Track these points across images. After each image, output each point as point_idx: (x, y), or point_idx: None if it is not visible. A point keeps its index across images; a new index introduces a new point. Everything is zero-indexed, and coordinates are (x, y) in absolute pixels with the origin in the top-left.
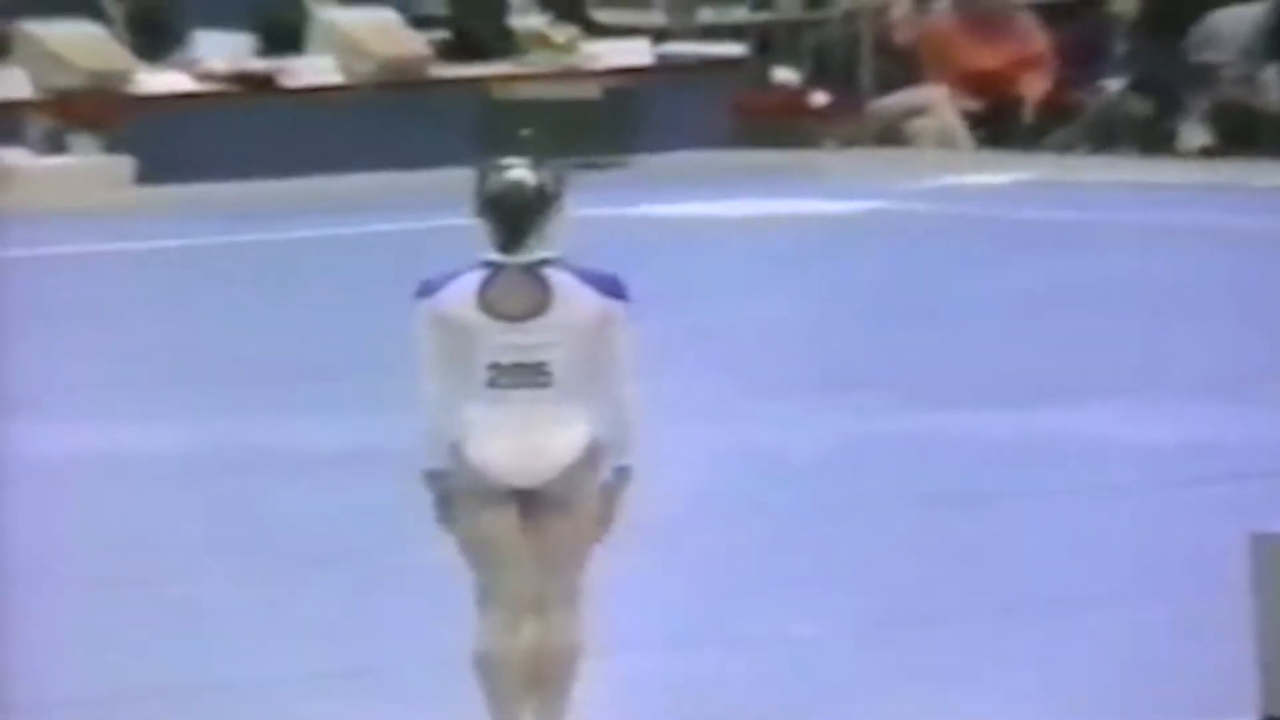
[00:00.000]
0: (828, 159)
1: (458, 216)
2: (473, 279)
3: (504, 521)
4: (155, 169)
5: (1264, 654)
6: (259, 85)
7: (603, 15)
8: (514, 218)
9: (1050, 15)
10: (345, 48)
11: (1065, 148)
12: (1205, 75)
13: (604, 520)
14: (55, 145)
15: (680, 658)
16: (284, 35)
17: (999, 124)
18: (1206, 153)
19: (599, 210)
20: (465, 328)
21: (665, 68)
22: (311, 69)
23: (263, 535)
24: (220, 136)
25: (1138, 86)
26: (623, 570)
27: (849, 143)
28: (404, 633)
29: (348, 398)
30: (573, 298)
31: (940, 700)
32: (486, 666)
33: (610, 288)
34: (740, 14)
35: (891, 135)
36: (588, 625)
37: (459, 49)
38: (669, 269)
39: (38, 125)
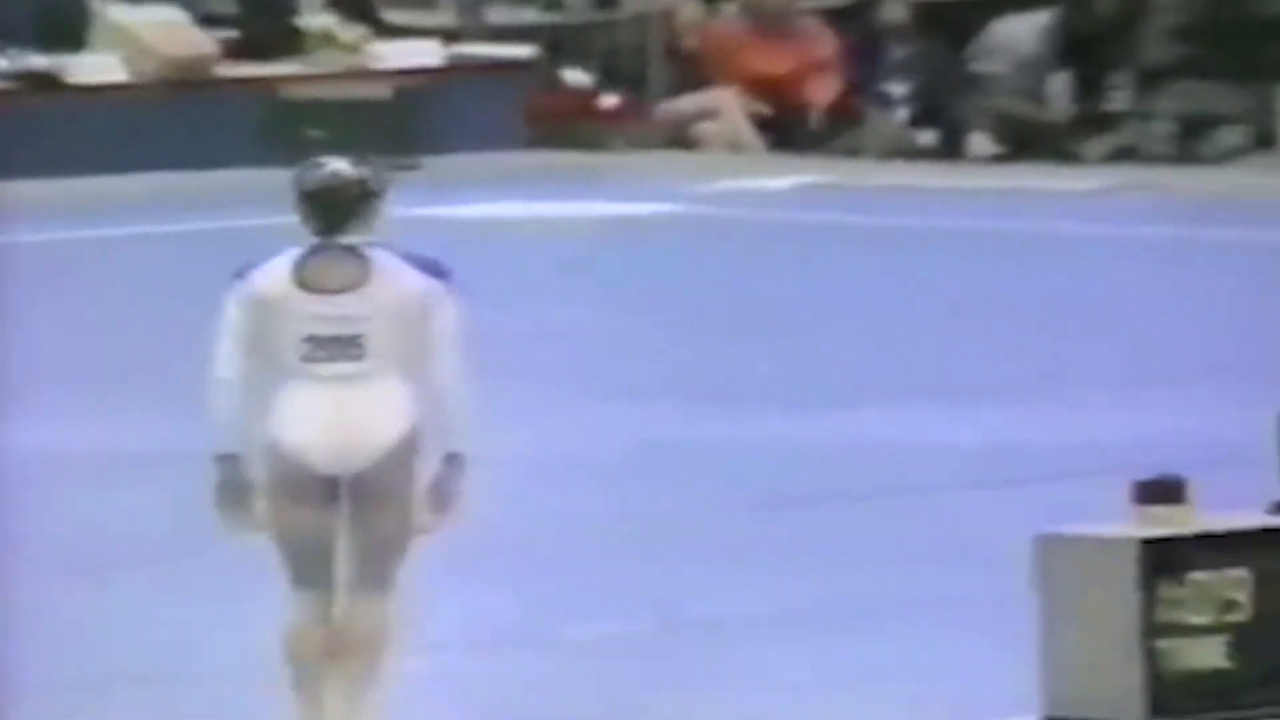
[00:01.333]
0: (618, 161)
1: (242, 217)
2: (288, 258)
3: (313, 512)
4: None
5: (1046, 655)
6: (41, 84)
7: (393, 15)
8: (333, 206)
9: (833, 20)
10: (130, 46)
11: (852, 152)
12: (986, 84)
13: (436, 510)
14: None
15: (479, 659)
16: (65, 33)
17: (787, 128)
18: (996, 158)
19: (389, 211)
20: (278, 302)
21: (456, 68)
22: (95, 67)
23: (79, 536)
24: (3, 135)
25: (918, 117)
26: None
27: (639, 145)
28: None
29: (147, 399)
30: (392, 274)
31: (736, 702)
32: (292, 645)
33: (432, 269)
34: (530, 15)
35: (681, 138)
36: (401, 617)
37: (246, 48)
38: (457, 272)
39: None
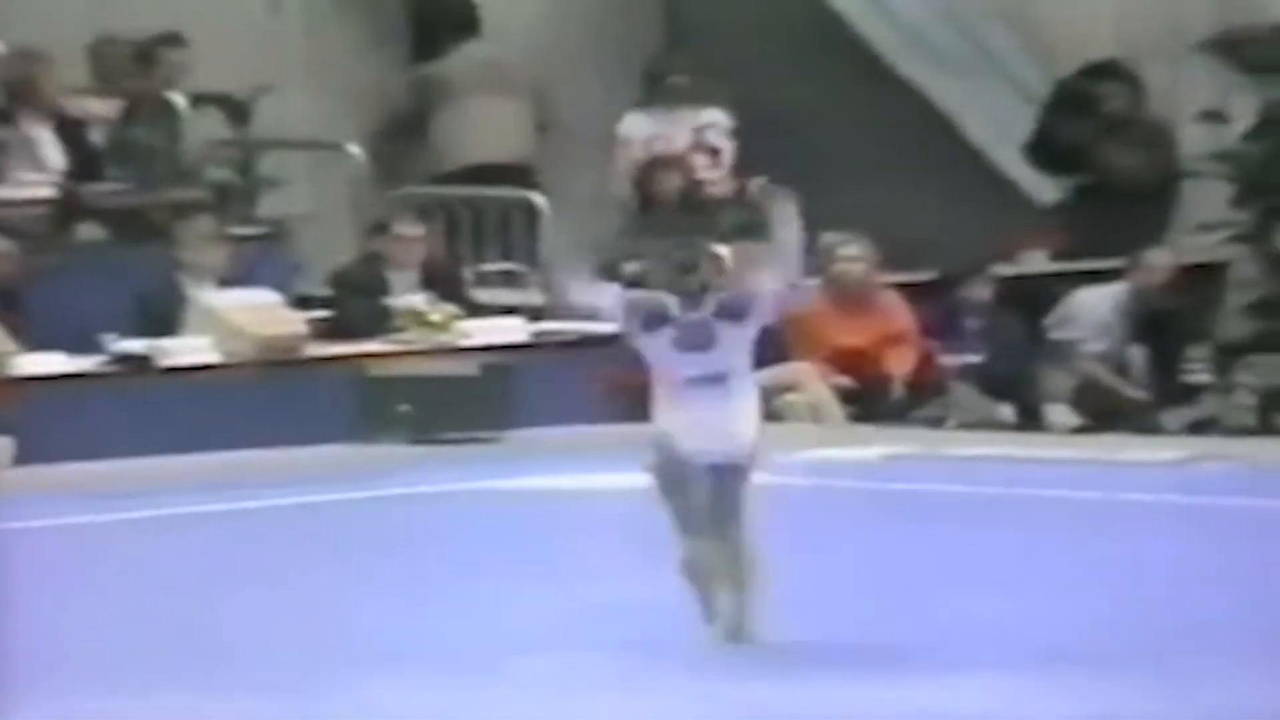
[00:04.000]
0: None
1: (333, 492)
2: None
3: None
4: (35, 449)
5: None
6: (138, 366)
7: (482, 295)
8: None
9: (911, 294)
10: (222, 329)
11: (934, 422)
12: (1065, 351)
13: None
14: None
15: None
16: (161, 317)
17: (869, 399)
18: (1078, 430)
19: (476, 484)
20: None
21: (540, 345)
22: (190, 349)
23: None
24: (99, 417)
25: (998, 388)
26: None
27: None
28: None
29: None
30: None
31: None
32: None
33: None
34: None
35: (765, 410)
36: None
37: (337, 327)
38: (546, 542)
39: None
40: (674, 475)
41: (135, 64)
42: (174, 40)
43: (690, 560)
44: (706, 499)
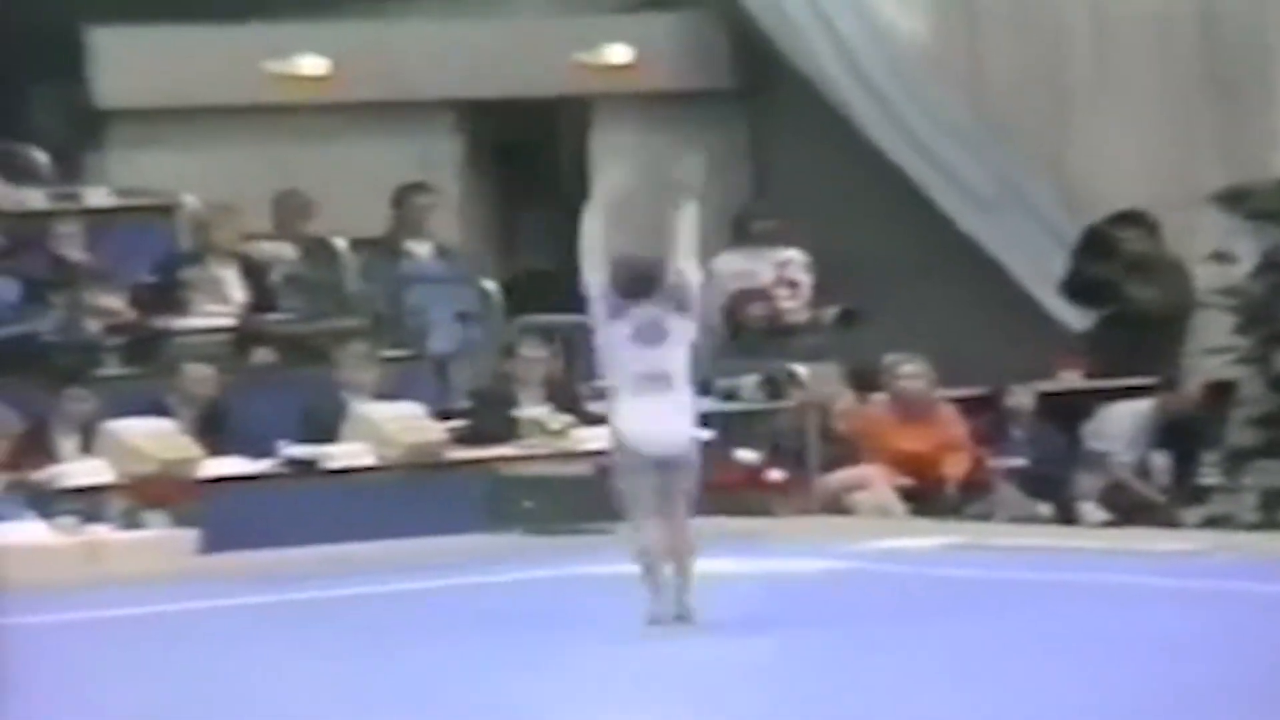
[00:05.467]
0: (784, 525)
1: (470, 575)
2: None
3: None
4: (217, 540)
5: None
6: (304, 468)
7: (595, 406)
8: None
9: (964, 407)
10: (376, 436)
11: (983, 517)
12: (1098, 461)
13: None
14: (132, 522)
15: None
16: (324, 426)
17: (927, 497)
18: (1107, 524)
19: (591, 569)
20: None
21: None
22: (348, 453)
23: None
24: (272, 512)
25: (1039, 488)
26: None
27: (801, 512)
28: None
29: None
30: None
31: None
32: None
33: None
34: (709, 404)
35: (836, 506)
36: None
37: (473, 435)
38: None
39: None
40: (628, 466)
41: (307, 213)
42: (421, 188)
43: (645, 544)
44: (654, 488)
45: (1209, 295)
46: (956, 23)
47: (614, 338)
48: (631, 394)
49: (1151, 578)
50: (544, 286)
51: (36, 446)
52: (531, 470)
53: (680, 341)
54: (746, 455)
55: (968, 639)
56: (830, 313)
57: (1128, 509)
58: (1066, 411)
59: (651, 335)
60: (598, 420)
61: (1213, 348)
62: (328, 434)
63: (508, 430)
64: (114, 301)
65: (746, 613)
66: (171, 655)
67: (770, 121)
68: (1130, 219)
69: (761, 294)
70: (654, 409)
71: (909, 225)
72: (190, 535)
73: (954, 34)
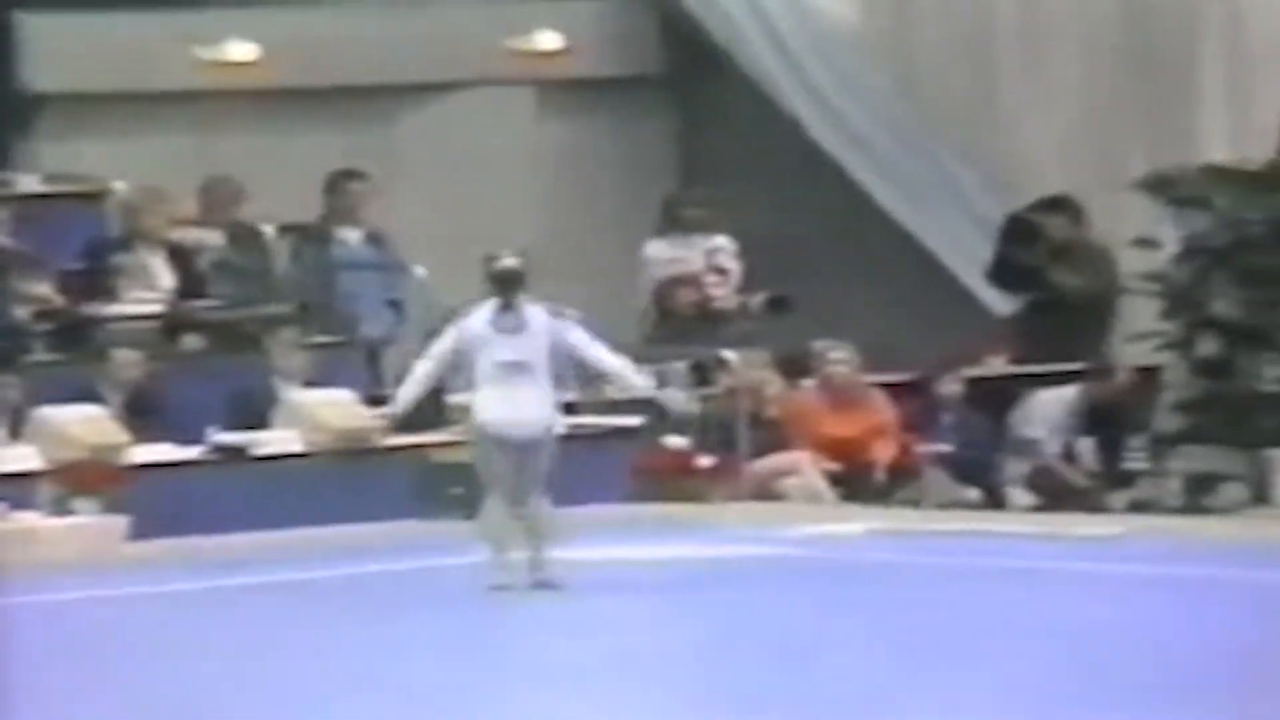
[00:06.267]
0: (712, 511)
1: (400, 561)
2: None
3: (501, 457)
4: (146, 526)
5: None
6: (233, 455)
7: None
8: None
9: (892, 392)
10: (306, 422)
11: (911, 502)
12: (1025, 447)
13: None
14: (62, 509)
15: None
16: (254, 413)
17: (856, 482)
18: (1035, 509)
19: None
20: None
21: (575, 435)
22: (278, 440)
23: None
24: (200, 499)
25: (966, 473)
26: None
27: (731, 498)
28: None
29: None
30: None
31: None
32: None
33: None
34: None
35: (765, 492)
36: None
37: (404, 422)
38: (583, 605)
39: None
40: (486, 447)
41: (236, 199)
42: (355, 175)
43: (492, 521)
44: (511, 468)
45: (1134, 281)
46: (884, 7)
47: (472, 333)
48: (490, 379)
49: (1077, 562)
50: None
51: None
52: (461, 456)
53: (540, 332)
54: (676, 441)
55: (895, 624)
56: (759, 299)
57: (1054, 494)
58: (994, 397)
59: (512, 325)
60: None
61: (1138, 333)
62: (257, 420)
63: (437, 416)
64: (43, 288)
65: (675, 598)
66: (102, 641)
67: (699, 107)
68: (1055, 204)
69: (691, 280)
70: (513, 395)
71: (838, 211)
72: (120, 522)
73: (882, 17)
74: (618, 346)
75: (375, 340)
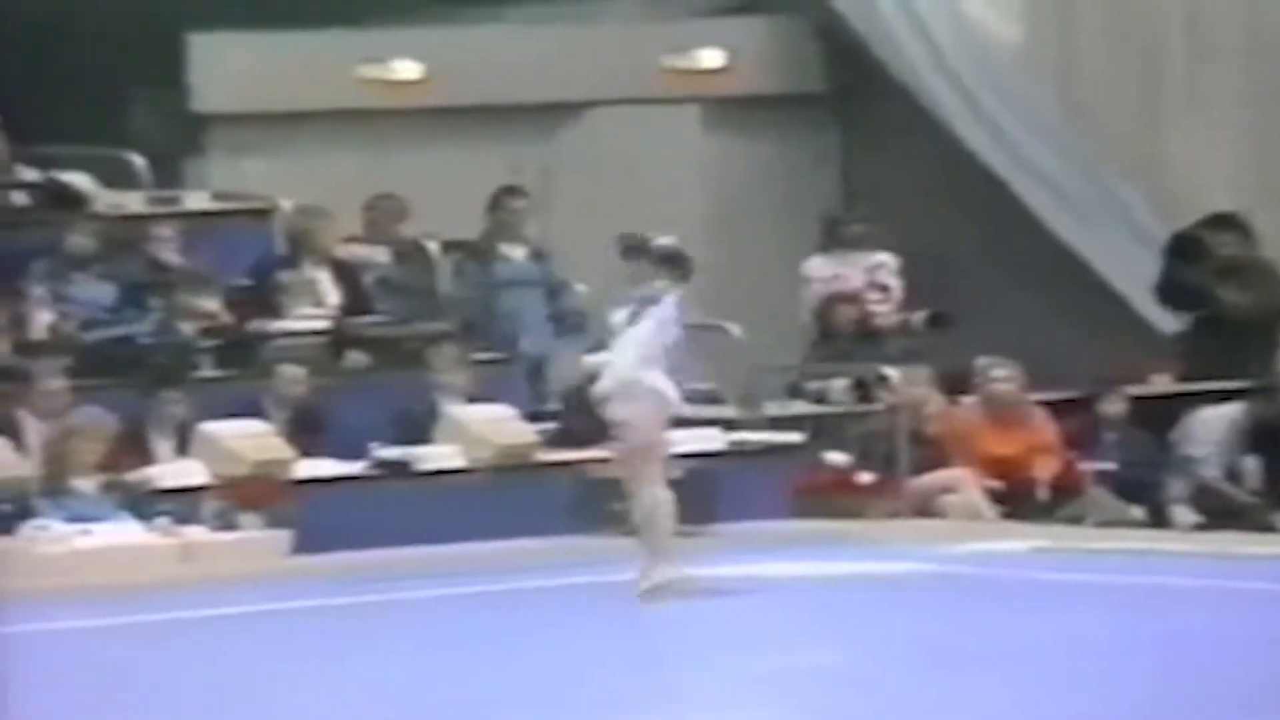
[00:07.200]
0: (873, 528)
1: (559, 577)
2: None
3: None
4: (310, 541)
5: None
6: (395, 470)
7: (686, 409)
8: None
9: (1055, 410)
10: (467, 438)
11: (1073, 520)
12: (1187, 465)
13: None
14: (226, 523)
15: None
16: (416, 429)
17: (1017, 500)
18: (1199, 527)
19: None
20: None
21: (735, 452)
22: (439, 455)
23: None
24: (363, 514)
25: (1130, 491)
26: None
27: (890, 515)
28: None
29: None
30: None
31: None
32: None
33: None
34: (799, 407)
35: (926, 509)
36: None
37: (563, 437)
38: (743, 620)
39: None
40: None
41: (401, 216)
42: (516, 192)
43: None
44: None
45: None
46: (1049, 26)
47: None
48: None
49: (1243, 581)
50: None
51: (133, 448)
52: (621, 473)
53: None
54: (836, 458)
55: (1058, 643)
56: (920, 316)
57: (1219, 513)
58: (1158, 415)
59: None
60: (688, 423)
61: None
62: (419, 436)
63: (598, 432)
64: (210, 304)
65: (835, 614)
66: (264, 655)
67: (861, 125)
68: (1222, 222)
69: (852, 297)
70: None
71: (1000, 229)
72: (283, 536)
73: (1046, 38)
74: (779, 363)
75: (536, 357)
